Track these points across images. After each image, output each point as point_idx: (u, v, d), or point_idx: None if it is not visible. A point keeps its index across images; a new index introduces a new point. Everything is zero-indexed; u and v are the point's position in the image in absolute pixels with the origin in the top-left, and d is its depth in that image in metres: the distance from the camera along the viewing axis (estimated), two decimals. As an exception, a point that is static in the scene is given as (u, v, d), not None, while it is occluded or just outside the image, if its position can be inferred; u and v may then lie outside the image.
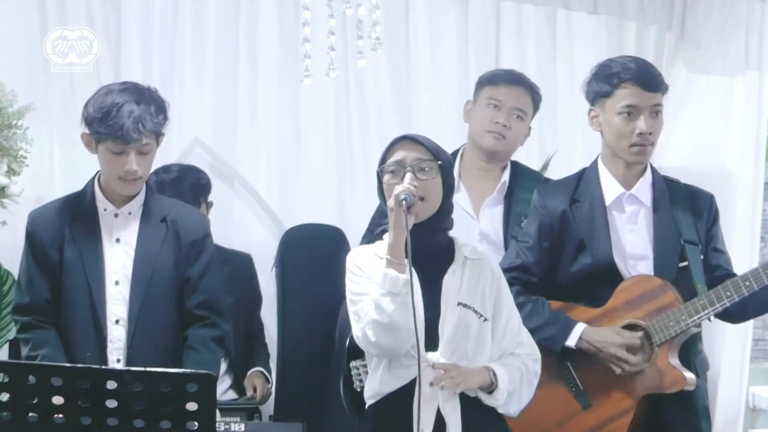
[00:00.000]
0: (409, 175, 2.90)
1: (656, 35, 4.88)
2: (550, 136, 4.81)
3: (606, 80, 3.45)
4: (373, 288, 2.87)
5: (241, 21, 4.65)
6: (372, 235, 3.21)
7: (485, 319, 2.95)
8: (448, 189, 2.98)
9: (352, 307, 2.94)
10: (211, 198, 4.23)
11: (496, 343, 2.98)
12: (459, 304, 2.92)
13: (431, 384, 2.84)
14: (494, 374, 2.91)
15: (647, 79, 3.43)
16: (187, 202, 3.97)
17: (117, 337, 3.26)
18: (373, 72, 4.66)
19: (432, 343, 2.88)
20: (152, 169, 4.04)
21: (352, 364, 3.23)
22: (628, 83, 3.41)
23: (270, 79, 4.65)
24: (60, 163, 4.38)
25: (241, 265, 4.30)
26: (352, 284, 2.96)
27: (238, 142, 4.65)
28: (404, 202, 2.81)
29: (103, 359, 3.23)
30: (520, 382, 2.97)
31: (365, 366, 3.17)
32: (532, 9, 4.83)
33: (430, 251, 2.93)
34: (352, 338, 3.07)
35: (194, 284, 3.33)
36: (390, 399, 2.92)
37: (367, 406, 2.99)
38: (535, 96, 3.90)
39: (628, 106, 3.40)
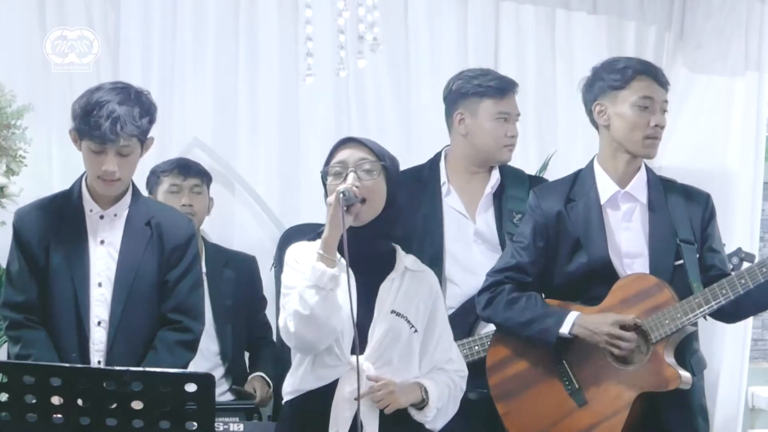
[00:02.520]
0: (351, 175, 2.90)
1: (656, 35, 4.88)
2: (549, 136, 4.81)
3: (619, 72, 3.46)
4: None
5: (241, 21, 4.65)
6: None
7: (415, 330, 2.95)
8: (393, 194, 2.97)
9: (282, 300, 2.93)
10: (211, 195, 4.23)
11: (428, 357, 2.99)
12: (392, 312, 2.92)
13: (357, 399, 2.82)
14: (425, 391, 2.92)
15: (659, 74, 3.49)
16: (189, 178, 4.04)
17: (98, 339, 3.26)
18: (373, 72, 4.66)
19: (360, 346, 2.87)
20: (147, 174, 4.09)
21: None
22: (644, 76, 3.44)
23: (270, 79, 4.65)
24: (59, 164, 4.37)
25: (244, 267, 4.29)
26: (285, 277, 2.96)
27: (238, 142, 4.65)
28: (342, 196, 2.80)
29: (86, 361, 3.22)
30: (448, 398, 2.99)
31: None
32: (531, 9, 4.83)
33: (370, 256, 2.92)
34: None
35: (171, 288, 3.32)
36: (309, 397, 2.92)
37: (284, 401, 2.99)
38: (517, 93, 3.90)
39: (645, 98, 3.42)
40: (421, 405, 2.92)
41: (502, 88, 3.84)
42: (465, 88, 3.87)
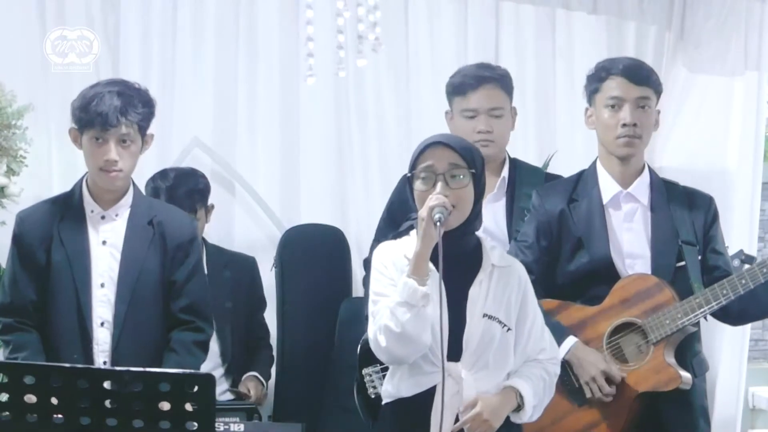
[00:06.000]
0: (440, 185, 2.82)
1: (656, 35, 4.87)
2: (549, 136, 4.81)
3: (596, 76, 3.51)
4: (393, 291, 2.81)
5: (241, 21, 4.65)
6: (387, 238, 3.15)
7: (509, 329, 2.90)
8: (480, 194, 2.92)
9: (372, 307, 2.87)
10: (212, 200, 4.21)
11: (519, 350, 2.94)
12: (484, 315, 2.87)
13: None
14: (520, 395, 2.89)
15: (633, 72, 3.48)
16: (182, 209, 3.98)
17: (102, 339, 3.27)
18: (373, 72, 4.66)
19: (454, 352, 2.84)
20: (150, 174, 4.08)
21: (365, 371, 3.20)
22: (615, 76, 3.47)
23: (270, 79, 4.65)
24: (59, 164, 4.38)
25: (243, 268, 4.29)
26: (374, 282, 2.90)
27: (238, 142, 4.65)
28: (438, 224, 2.73)
29: (89, 361, 3.23)
30: (543, 391, 2.96)
31: (378, 372, 3.15)
32: (531, 9, 4.82)
33: (457, 256, 2.84)
34: (363, 344, 3.03)
35: (179, 288, 3.34)
36: (408, 403, 2.88)
37: (383, 403, 2.95)
38: (504, 85, 3.85)
39: (613, 98, 3.45)
40: (518, 408, 2.90)
41: (466, 83, 3.80)
42: (447, 87, 3.89)
